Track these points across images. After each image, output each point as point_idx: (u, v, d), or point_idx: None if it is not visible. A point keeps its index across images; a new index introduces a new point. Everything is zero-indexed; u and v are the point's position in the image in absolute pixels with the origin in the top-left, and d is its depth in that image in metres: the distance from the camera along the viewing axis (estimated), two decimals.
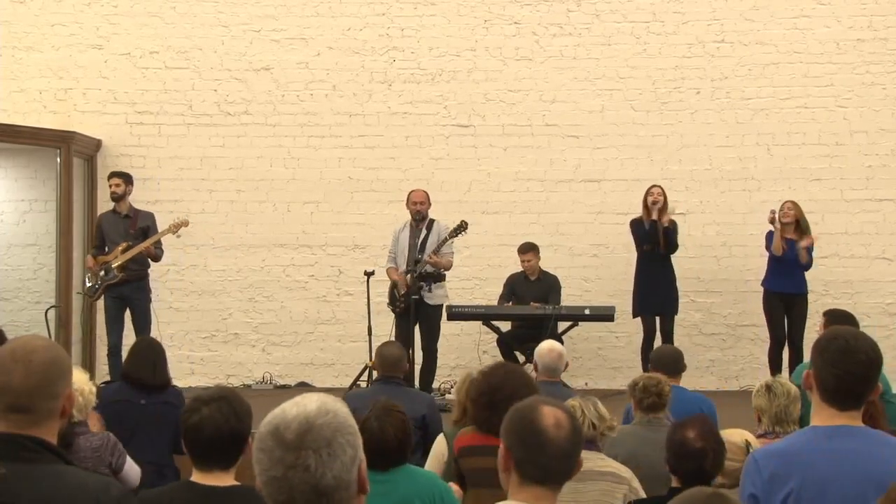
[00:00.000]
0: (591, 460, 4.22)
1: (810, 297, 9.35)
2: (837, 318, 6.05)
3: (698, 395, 6.32)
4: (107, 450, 4.69)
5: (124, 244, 8.87)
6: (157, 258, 9.09)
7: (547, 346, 6.04)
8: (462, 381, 5.00)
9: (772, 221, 8.98)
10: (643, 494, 4.21)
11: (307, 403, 1.91)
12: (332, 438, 1.87)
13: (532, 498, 2.41)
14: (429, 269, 8.92)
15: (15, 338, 2.49)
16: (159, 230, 9.07)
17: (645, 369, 9.10)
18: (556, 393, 5.49)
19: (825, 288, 10.05)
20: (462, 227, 9.00)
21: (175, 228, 9.02)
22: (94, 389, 4.79)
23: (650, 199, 9.21)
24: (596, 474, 4.18)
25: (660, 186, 9.33)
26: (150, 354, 5.80)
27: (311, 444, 1.85)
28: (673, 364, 6.06)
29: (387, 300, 9.14)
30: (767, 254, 9.17)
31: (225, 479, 3.15)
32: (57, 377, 2.37)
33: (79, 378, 4.69)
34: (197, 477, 3.17)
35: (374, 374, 9.15)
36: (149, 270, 9.11)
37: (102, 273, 8.88)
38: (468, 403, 4.49)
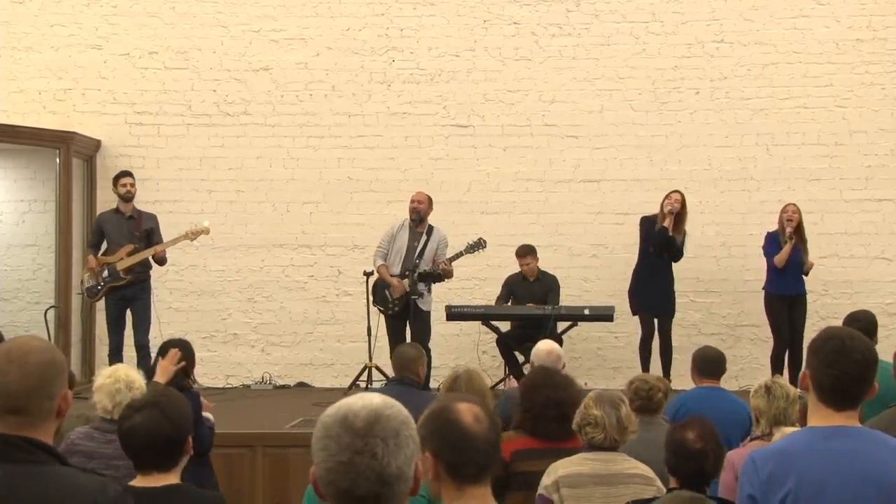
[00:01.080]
0: (618, 462, 4.21)
1: (810, 297, 9.35)
2: (850, 321, 6.02)
3: (740, 400, 6.10)
4: None
5: (131, 246, 8.82)
6: (164, 262, 9.06)
7: (545, 347, 6.02)
8: (451, 381, 5.00)
9: (791, 237, 9.02)
10: (664, 492, 4.20)
11: (371, 397, 1.99)
12: (398, 430, 1.94)
13: (472, 498, 2.42)
14: (428, 269, 8.92)
15: (11, 338, 2.49)
16: (162, 233, 9.04)
17: (644, 368, 9.17)
18: None
19: (824, 288, 10.05)
20: (480, 245, 9.02)
21: (193, 236, 8.96)
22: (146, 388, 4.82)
23: (667, 204, 9.17)
24: (626, 477, 4.17)
25: (680, 193, 9.27)
26: (182, 357, 5.73)
27: (379, 432, 1.92)
28: (716, 365, 6.08)
29: (372, 298, 9.14)
30: (766, 256, 9.19)
31: (163, 480, 3.21)
32: (53, 378, 2.37)
33: (137, 377, 4.72)
34: (137, 480, 3.23)
35: (373, 374, 9.22)
36: (150, 272, 9.09)
37: (105, 274, 8.83)
38: (520, 413, 4.65)
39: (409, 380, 5.78)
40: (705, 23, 10.43)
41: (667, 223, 9.14)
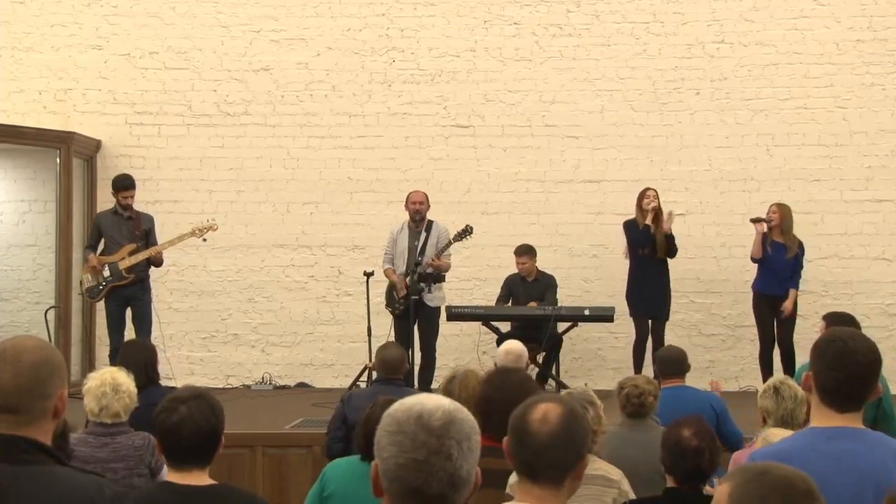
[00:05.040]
0: None
1: (810, 297, 9.36)
2: (837, 320, 6.03)
3: (708, 393, 6.30)
4: (147, 450, 4.68)
5: (133, 246, 8.81)
6: (160, 263, 9.06)
7: (504, 348, 6.08)
8: (447, 381, 5.00)
9: (755, 221, 8.99)
10: (633, 496, 4.21)
11: (441, 399, 1.98)
12: (470, 434, 1.94)
13: (533, 499, 2.38)
14: (429, 269, 8.92)
15: (7, 338, 2.48)
16: (158, 234, 9.02)
17: (637, 371, 9.16)
18: None
19: (825, 289, 10.04)
20: (467, 232, 9.00)
21: (201, 233, 8.94)
22: (135, 391, 4.79)
23: (645, 201, 9.16)
24: (587, 478, 4.16)
25: (654, 190, 9.28)
26: (142, 356, 5.76)
27: (455, 434, 1.91)
28: (678, 365, 6.09)
29: (384, 301, 9.15)
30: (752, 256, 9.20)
31: (202, 479, 3.16)
32: (47, 377, 2.36)
33: (125, 380, 4.71)
34: (173, 477, 3.18)
35: (373, 374, 9.21)
36: (149, 271, 9.09)
37: (107, 273, 8.82)
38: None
39: (396, 380, 5.83)
40: (706, 23, 10.43)
41: (649, 221, 9.11)
